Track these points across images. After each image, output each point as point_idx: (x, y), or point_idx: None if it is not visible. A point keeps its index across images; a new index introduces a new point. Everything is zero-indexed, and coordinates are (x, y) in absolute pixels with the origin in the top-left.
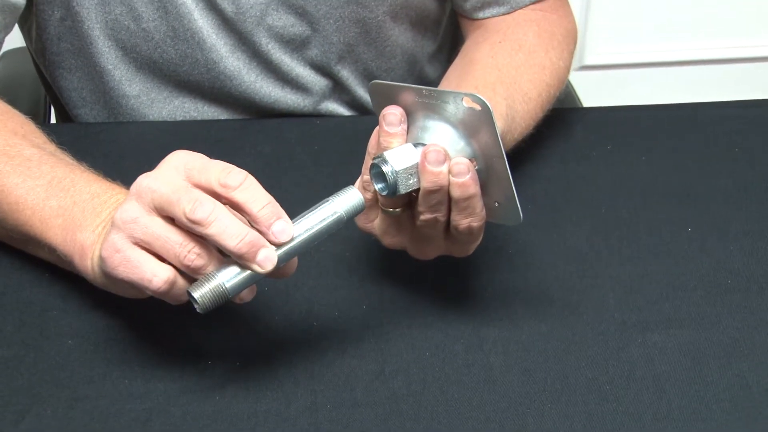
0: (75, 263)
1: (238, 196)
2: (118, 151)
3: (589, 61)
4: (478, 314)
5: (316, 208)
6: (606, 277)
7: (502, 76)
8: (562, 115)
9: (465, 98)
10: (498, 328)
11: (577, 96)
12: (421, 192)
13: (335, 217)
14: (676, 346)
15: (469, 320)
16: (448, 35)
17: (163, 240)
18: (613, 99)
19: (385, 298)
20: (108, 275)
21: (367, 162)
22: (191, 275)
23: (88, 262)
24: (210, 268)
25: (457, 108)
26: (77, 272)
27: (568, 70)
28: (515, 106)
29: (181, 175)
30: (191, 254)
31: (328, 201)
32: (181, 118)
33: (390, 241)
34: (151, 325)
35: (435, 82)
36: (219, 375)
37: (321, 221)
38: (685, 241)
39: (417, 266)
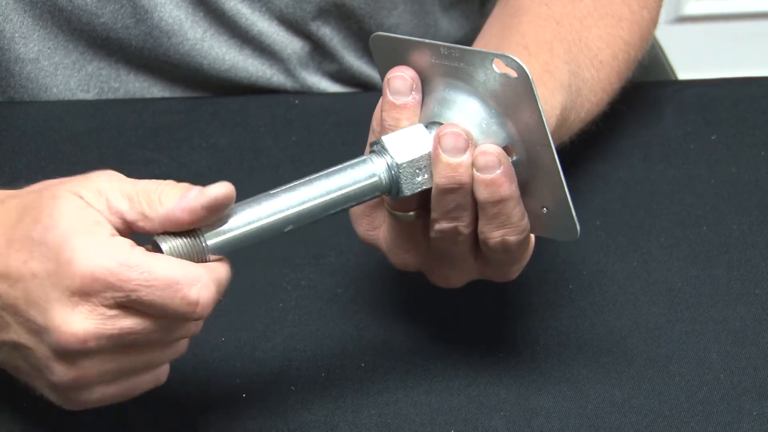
0: None
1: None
2: (7, 147)
3: (688, 10)
4: (524, 375)
5: (347, 166)
6: (708, 322)
7: (561, 30)
8: (647, 91)
9: (495, 61)
10: (553, 396)
11: (668, 62)
12: (433, 191)
13: (372, 181)
14: None
15: (512, 384)
16: None
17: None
18: (721, 67)
19: (393, 352)
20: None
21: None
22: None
23: None
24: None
25: (487, 75)
26: None
27: (654, 23)
28: (582, 73)
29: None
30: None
31: (364, 160)
32: (95, 91)
33: (400, 258)
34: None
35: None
36: None
37: (351, 184)
38: None
39: (437, 303)
